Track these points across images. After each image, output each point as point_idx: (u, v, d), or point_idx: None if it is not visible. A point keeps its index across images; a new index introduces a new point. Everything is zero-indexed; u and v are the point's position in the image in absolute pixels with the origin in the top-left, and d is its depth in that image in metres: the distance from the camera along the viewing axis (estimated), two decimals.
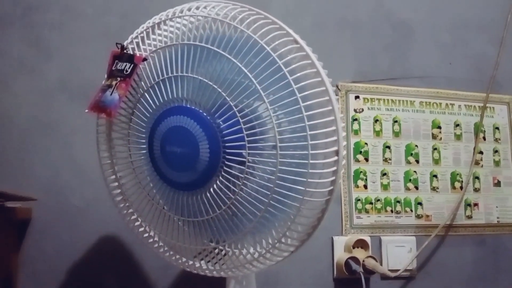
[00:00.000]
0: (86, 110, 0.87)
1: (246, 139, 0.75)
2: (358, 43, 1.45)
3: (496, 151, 1.54)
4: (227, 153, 0.76)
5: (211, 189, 0.78)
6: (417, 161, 1.45)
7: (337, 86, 1.38)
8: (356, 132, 1.40)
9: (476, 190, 1.50)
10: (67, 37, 1.24)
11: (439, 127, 1.49)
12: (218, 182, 0.77)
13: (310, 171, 0.73)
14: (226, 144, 0.76)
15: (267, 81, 0.73)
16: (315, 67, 0.74)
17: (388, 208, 1.40)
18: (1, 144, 1.17)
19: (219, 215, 0.78)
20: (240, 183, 0.75)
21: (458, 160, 1.49)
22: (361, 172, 1.39)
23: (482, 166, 1.51)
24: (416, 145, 1.46)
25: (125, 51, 0.86)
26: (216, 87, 0.76)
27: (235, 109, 0.75)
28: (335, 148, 0.74)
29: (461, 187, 1.47)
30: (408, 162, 1.44)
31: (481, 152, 1.52)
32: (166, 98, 0.80)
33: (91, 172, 1.19)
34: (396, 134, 1.45)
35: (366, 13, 1.48)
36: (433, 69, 1.51)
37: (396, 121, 1.45)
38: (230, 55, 0.75)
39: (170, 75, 0.80)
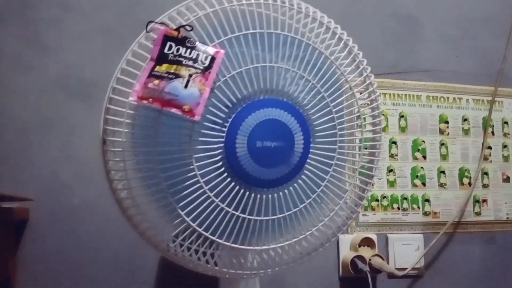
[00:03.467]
0: (133, 99, 0.70)
1: (338, 127, 0.79)
2: (364, 37, 1.40)
3: (505, 146, 1.50)
4: (317, 142, 0.78)
5: (300, 181, 0.78)
6: (424, 157, 1.42)
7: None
8: None
9: (485, 186, 1.46)
10: (64, 33, 1.21)
11: (447, 122, 1.46)
12: (308, 172, 0.78)
13: (378, 151, 0.85)
14: (317, 134, 0.78)
15: (352, 74, 0.82)
16: (368, 70, 0.86)
17: (395, 205, 1.37)
18: None
19: (303, 209, 0.79)
20: (331, 170, 0.79)
21: (466, 155, 1.46)
22: None
23: (490, 161, 1.48)
24: (423, 141, 1.42)
25: (180, 33, 0.73)
26: (309, 78, 0.77)
27: (327, 100, 0.78)
28: (381, 134, 0.85)
29: (470, 183, 1.44)
30: (415, 158, 1.41)
31: (489, 147, 1.48)
32: (250, 90, 0.75)
33: (90, 171, 1.17)
34: (403, 129, 1.41)
35: (372, 7, 1.45)
36: (440, 63, 1.48)
37: (402, 116, 1.42)
38: (320, 49, 0.79)
39: (256, 64, 0.74)
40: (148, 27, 0.74)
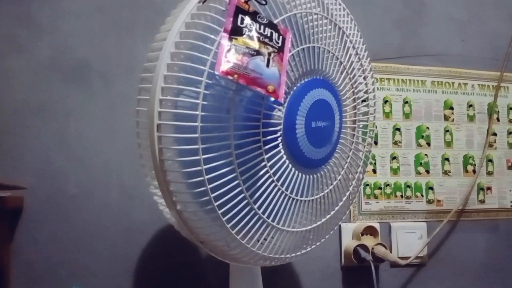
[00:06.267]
0: (218, 73, 0.62)
1: (357, 107, 0.84)
2: (368, 19, 1.37)
3: (510, 133, 1.47)
4: (344, 121, 0.83)
5: (333, 159, 0.81)
6: (428, 144, 1.39)
7: None
8: None
9: (489, 173, 1.44)
10: (58, 13, 1.16)
11: (452, 108, 1.42)
12: (338, 150, 0.82)
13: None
14: (344, 114, 0.82)
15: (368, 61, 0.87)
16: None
17: (398, 193, 1.34)
18: None
19: (335, 185, 0.82)
20: (352, 148, 0.84)
21: (471, 142, 1.43)
22: None
23: (495, 148, 1.45)
24: (428, 127, 1.39)
25: (251, 7, 0.67)
26: (341, 61, 0.79)
27: (351, 82, 0.82)
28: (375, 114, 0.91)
29: (474, 171, 1.41)
30: (419, 145, 1.38)
31: (494, 134, 1.45)
32: (304, 70, 0.74)
33: (86, 158, 1.13)
34: (407, 116, 1.38)
35: None
36: (446, 46, 1.44)
37: (406, 102, 1.38)
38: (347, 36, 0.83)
39: (308, 45, 0.74)
40: None
